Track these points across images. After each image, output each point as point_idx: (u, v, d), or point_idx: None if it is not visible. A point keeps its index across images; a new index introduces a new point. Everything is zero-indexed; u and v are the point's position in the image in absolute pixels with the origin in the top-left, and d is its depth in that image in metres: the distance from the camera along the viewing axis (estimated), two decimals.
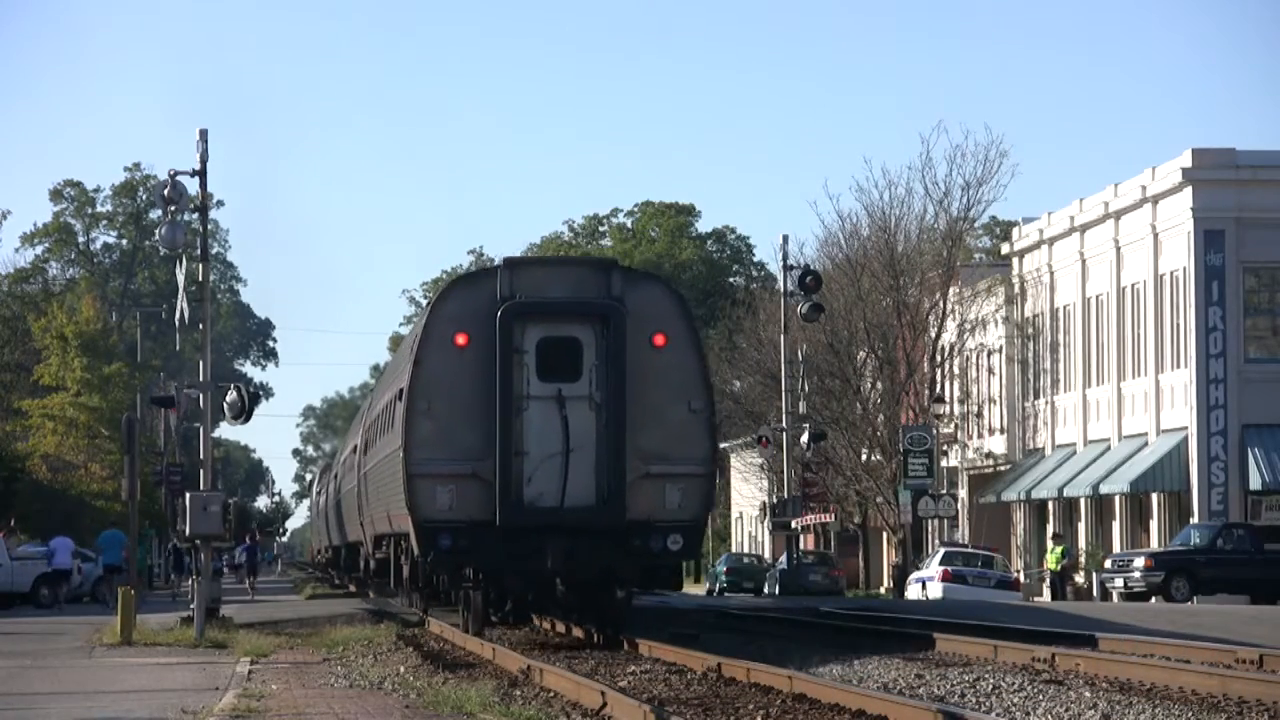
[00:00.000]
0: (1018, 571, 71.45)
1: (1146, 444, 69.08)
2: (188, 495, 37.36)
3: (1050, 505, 76.43)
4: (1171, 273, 68.06)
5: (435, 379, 31.27)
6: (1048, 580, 68.28)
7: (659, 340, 31.25)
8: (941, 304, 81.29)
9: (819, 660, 27.63)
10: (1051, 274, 77.66)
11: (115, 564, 53.27)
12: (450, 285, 33.61)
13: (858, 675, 25.13)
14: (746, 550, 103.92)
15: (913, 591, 64.74)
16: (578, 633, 33.48)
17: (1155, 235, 68.85)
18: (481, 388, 30.83)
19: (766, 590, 75.69)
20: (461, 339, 31.16)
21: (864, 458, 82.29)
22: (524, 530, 30.75)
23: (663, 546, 30.99)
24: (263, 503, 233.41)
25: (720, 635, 33.85)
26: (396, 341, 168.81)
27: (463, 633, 32.80)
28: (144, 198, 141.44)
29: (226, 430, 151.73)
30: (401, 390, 32.44)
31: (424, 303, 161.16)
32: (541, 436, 30.86)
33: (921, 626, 33.09)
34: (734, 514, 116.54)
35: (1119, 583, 59.61)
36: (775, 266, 74.39)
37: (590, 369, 30.97)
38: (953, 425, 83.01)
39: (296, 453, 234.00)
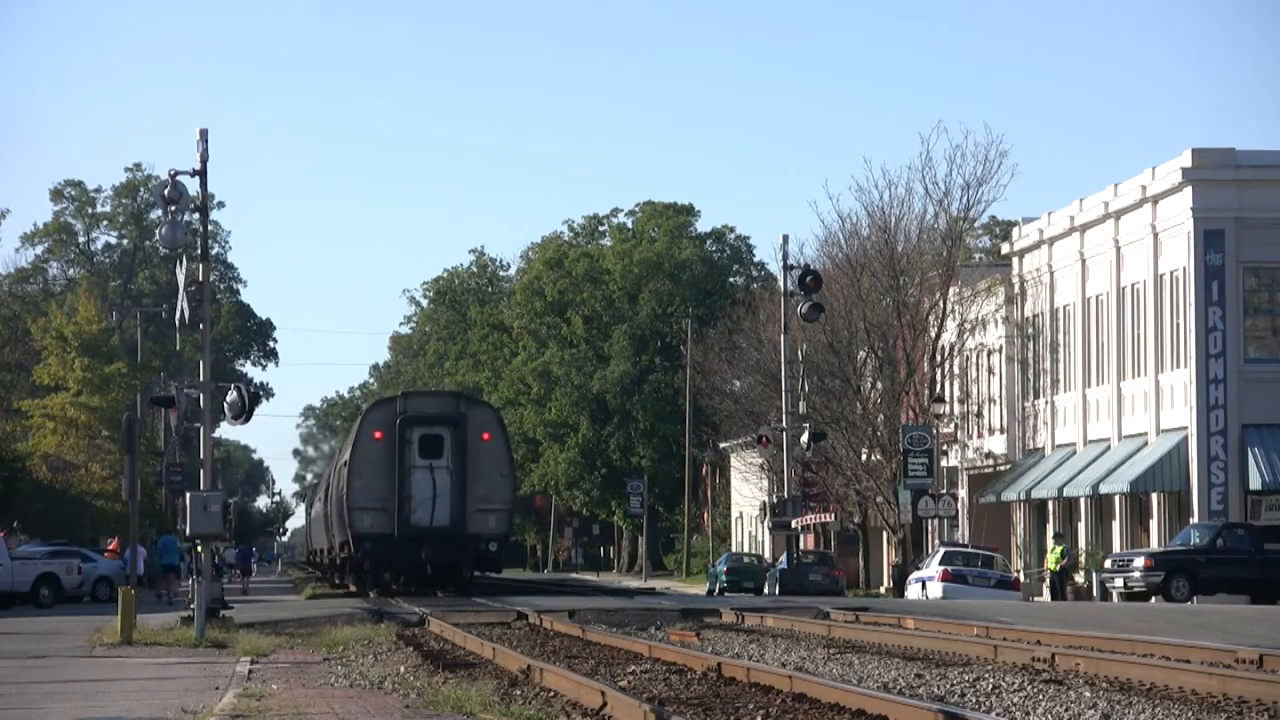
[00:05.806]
0: (1018, 571, 71.43)
1: (1146, 444, 69.03)
2: (188, 495, 37.36)
3: (1050, 505, 76.38)
4: (1171, 273, 68.03)
5: (364, 456, 55.84)
6: (1047, 580, 68.23)
7: (485, 437, 55.50)
8: (941, 304, 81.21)
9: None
10: (1051, 274, 77.60)
11: (173, 565, 64.35)
12: (373, 405, 62.10)
13: (858, 675, 25.13)
14: (747, 550, 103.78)
15: (913, 591, 64.72)
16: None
17: (1155, 235, 68.82)
18: (389, 461, 55.12)
19: (766, 590, 75.63)
20: (378, 435, 55.55)
21: (864, 458, 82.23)
22: (411, 539, 54.81)
23: (487, 549, 55.33)
24: (263, 503, 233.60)
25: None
26: (396, 341, 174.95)
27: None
28: (144, 198, 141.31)
29: (226, 430, 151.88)
30: (345, 461, 58.05)
31: (424, 303, 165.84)
32: (421, 488, 54.99)
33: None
34: (734, 514, 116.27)
35: (1119, 583, 59.56)
36: (775, 266, 74.35)
37: (448, 452, 55.07)
38: (953, 425, 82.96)
39: (296, 453, 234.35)
